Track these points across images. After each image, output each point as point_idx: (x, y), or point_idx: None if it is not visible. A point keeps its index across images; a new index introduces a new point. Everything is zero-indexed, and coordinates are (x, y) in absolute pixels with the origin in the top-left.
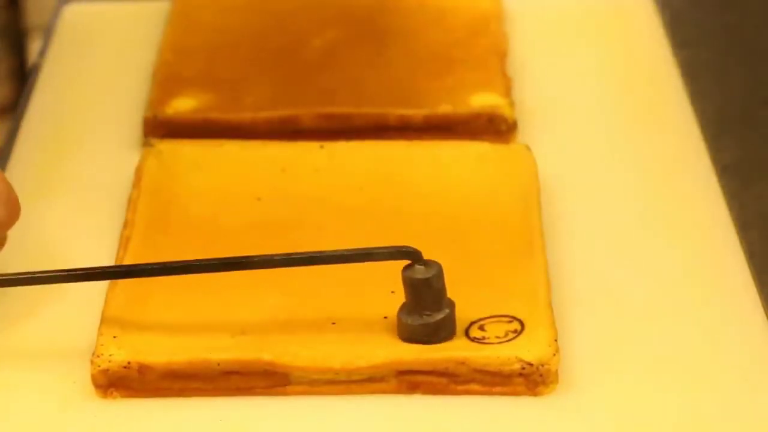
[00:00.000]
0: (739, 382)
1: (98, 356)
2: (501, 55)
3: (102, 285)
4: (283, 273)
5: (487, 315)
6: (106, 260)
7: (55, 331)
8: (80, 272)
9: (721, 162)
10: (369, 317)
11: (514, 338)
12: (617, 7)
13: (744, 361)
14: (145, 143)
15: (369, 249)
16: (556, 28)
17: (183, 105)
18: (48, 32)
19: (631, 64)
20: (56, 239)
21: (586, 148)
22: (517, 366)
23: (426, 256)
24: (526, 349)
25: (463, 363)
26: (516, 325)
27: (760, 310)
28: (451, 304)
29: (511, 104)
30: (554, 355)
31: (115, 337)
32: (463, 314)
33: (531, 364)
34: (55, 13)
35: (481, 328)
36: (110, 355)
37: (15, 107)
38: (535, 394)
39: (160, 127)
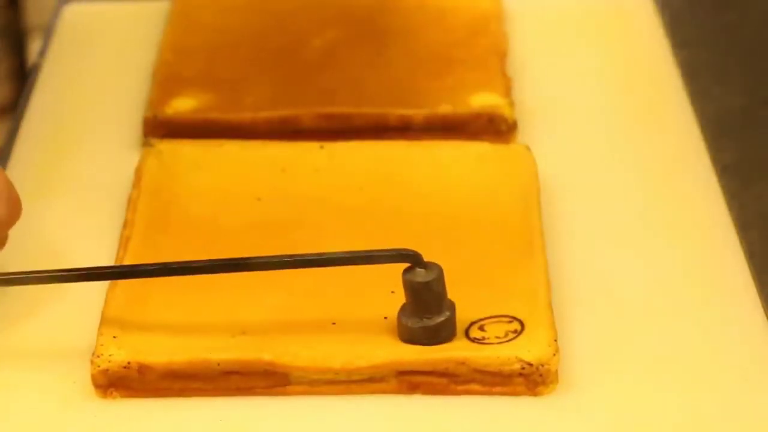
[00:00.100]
0: (739, 382)
1: (98, 356)
2: (501, 55)
3: (102, 285)
4: (283, 273)
5: (487, 315)
6: (106, 260)
7: (55, 331)
8: (80, 272)
9: (721, 162)
10: (369, 317)
11: (514, 338)
12: (617, 7)
13: (744, 361)
14: (145, 143)
15: (369, 252)
16: (556, 28)
17: (183, 105)
18: (48, 32)
19: (631, 64)
20: (56, 239)
21: (586, 148)
22: (517, 366)
23: (426, 257)
24: (526, 349)
25: (463, 363)
26: (516, 326)
27: (760, 310)
28: (452, 306)
29: (511, 104)
30: (554, 355)
31: (115, 337)
32: (463, 314)
33: (531, 364)
34: (55, 13)
35: (481, 328)
36: (110, 355)
37: (15, 107)
38: (535, 394)
39: (160, 127)
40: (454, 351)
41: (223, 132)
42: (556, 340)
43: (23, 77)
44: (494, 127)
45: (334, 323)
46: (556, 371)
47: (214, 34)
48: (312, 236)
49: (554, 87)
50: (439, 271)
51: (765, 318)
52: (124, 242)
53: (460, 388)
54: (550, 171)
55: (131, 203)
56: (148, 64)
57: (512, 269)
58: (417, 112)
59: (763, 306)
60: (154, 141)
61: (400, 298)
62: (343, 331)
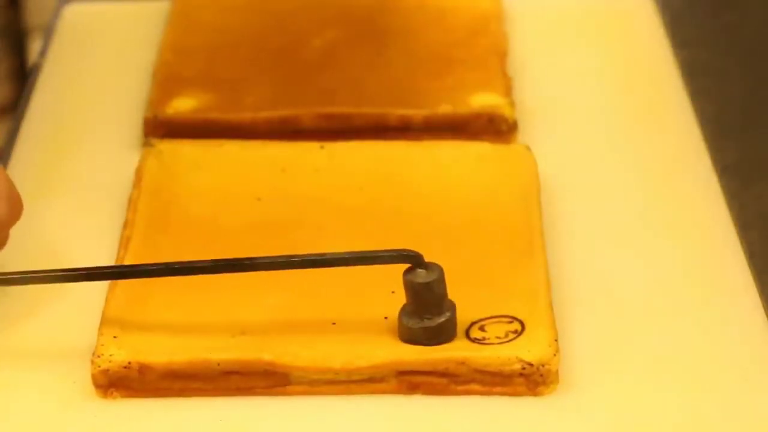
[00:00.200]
0: (739, 382)
1: (98, 356)
2: (501, 55)
3: (102, 285)
4: (283, 273)
5: (488, 315)
6: (106, 260)
7: (55, 331)
8: (80, 272)
9: (721, 162)
10: (369, 317)
11: (514, 338)
12: (617, 7)
13: (744, 361)
14: (145, 143)
15: (370, 252)
16: (556, 28)
17: (183, 105)
18: (48, 32)
19: (631, 64)
20: (56, 239)
21: (586, 148)
22: (517, 366)
23: (426, 257)
24: (527, 350)
25: (463, 363)
26: (516, 326)
27: (760, 310)
28: (452, 307)
29: (511, 104)
30: (554, 355)
31: (115, 337)
32: (464, 315)
33: (531, 365)
34: (55, 13)
35: (482, 328)
36: (110, 355)
37: (15, 107)
38: (535, 394)
39: (160, 127)
40: (455, 351)
41: (223, 132)
42: (556, 340)
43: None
44: (494, 127)
45: (334, 323)
46: (557, 371)
47: (214, 34)
48: (312, 236)
49: (554, 87)
50: (440, 271)
51: (765, 318)
52: (124, 242)
53: (460, 388)
54: (550, 171)
55: (131, 203)
56: (148, 64)
57: (512, 269)
58: (417, 112)
59: (763, 306)
60: (154, 141)
61: (400, 298)
62: (344, 331)
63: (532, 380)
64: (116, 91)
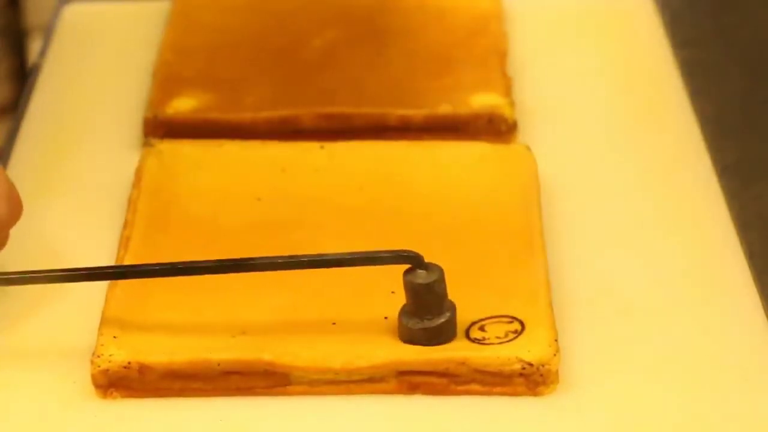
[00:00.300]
0: (739, 382)
1: (98, 356)
2: (501, 55)
3: (102, 285)
4: (283, 273)
5: (488, 315)
6: (106, 260)
7: (55, 331)
8: (80, 272)
9: (721, 162)
10: (369, 318)
11: (514, 338)
12: (617, 7)
13: (744, 361)
14: (145, 143)
15: (370, 253)
16: (556, 28)
17: (183, 105)
18: (48, 32)
19: (631, 64)
20: (56, 239)
21: (586, 148)
22: (517, 366)
23: (426, 257)
24: (527, 350)
25: (463, 363)
26: (516, 326)
27: (760, 310)
28: (452, 307)
29: (511, 104)
30: (554, 355)
31: (115, 337)
32: (464, 315)
33: (531, 365)
34: (55, 13)
35: (482, 328)
36: (110, 355)
37: (15, 107)
38: (535, 394)
39: (160, 127)
40: (455, 351)
41: (223, 132)
42: (556, 340)
43: (23, 77)
44: (494, 127)
45: (334, 323)
46: (557, 371)
47: (214, 34)
48: (312, 236)
49: (554, 87)
50: (440, 272)
51: (765, 318)
52: (124, 242)
53: (460, 388)
54: (550, 171)
55: (131, 203)
56: (148, 64)
57: (512, 269)
58: (417, 112)
59: (763, 306)
60: (154, 141)
61: (400, 298)
62: (344, 331)
63: (532, 380)
64: (116, 91)
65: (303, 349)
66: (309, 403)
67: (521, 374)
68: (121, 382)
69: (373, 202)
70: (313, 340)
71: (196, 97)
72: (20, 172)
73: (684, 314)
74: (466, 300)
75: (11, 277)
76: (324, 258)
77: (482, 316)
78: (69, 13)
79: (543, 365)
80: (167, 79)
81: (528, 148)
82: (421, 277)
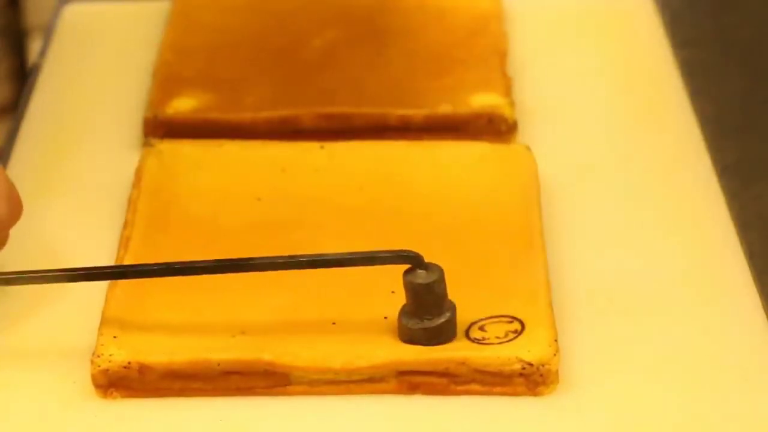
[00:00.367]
0: (739, 382)
1: (98, 356)
2: (501, 55)
3: (102, 285)
4: (283, 273)
5: (488, 315)
6: (106, 260)
7: (55, 331)
8: (80, 272)
9: (721, 162)
10: (369, 317)
11: (514, 338)
12: (617, 7)
13: (744, 361)
14: (145, 143)
15: (370, 253)
16: (556, 28)
17: (183, 105)
18: (48, 32)
19: (631, 64)
20: (56, 239)
21: (586, 148)
22: (517, 366)
23: (426, 257)
24: (527, 350)
25: (463, 363)
26: (516, 326)
27: (760, 310)
28: (452, 307)
29: (511, 104)
30: (554, 355)
31: (115, 337)
32: (464, 315)
33: (531, 364)
34: (55, 13)
35: (482, 328)
36: (110, 355)
37: (15, 107)
38: (535, 394)
39: (160, 127)
40: (455, 351)
41: (223, 132)
42: (556, 340)
43: (23, 77)
44: (494, 127)
45: (334, 323)
46: (557, 371)
47: (214, 34)
48: (312, 236)
49: (554, 87)
50: (440, 272)
51: (765, 318)
52: (124, 242)
53: (460, 388)
54: (550, 171)
55: (131, 203)
56: (148, 64)
57: (512, 269)
58: (417, 112)
59: (763, 306)
60: (154, 141)
61: (400, 298)
62: (343, 331)
63: (532, 380)
64: (116, 91)
65: (303, 349)
66: (309, 403)
67: (521, 374)
68: (121, 382)
69: (373, 202)
70: (313, 340)
71: (196, 97)
72: (20, 172)
73: (684, 314)
74: (466, 300)
75: (11, 277)
76: (323, 258)
77: (482, 316)
78: (69, 13)
79: (543, 365)
80: (167, 79)
81: (528, 148)
82: (421, 277)
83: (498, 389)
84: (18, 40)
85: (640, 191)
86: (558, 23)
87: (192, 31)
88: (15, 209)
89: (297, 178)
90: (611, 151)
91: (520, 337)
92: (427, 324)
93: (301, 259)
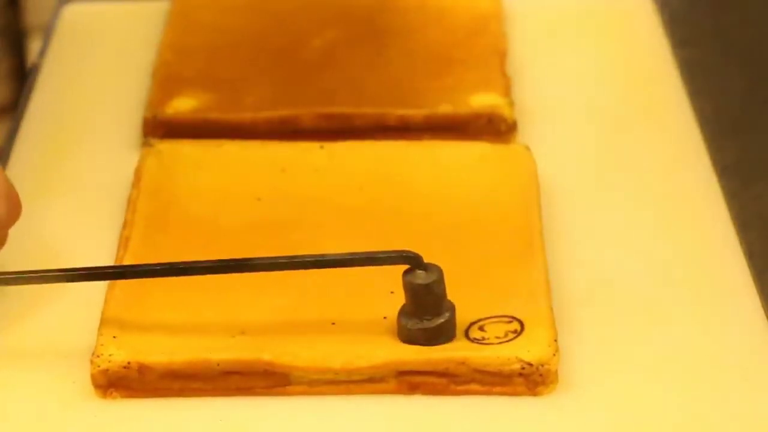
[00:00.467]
0: (739, 382)
1: (98, 356)
2: (501, 55)
3: (101, 285)
4: (283, 273)
5: (487, 315)
6: (106, 260)
7: (55, 331)
8: (80, 272)
9: (721, 162)
10: (369, 317)
11: (513, 338)
12: (617, 7)
13: (744, 361)
14: (145, 143)
15: (370, 253)
16: (556, 28)
17: (183, 105)
18: (48, 32)
19: (631, 64)
20: (56, 239)
21: (586, 148)
22: (517, 366)
23: (425, 257)
24: (526, 349)
25: (463, 363)
26: (516, 326)
27: (760, 310)
28: (452, 308)
29: (511, 104)
30: (554, 355)
31: (115, 337)
32: (463, 315)
33: (531, 364)
34: (55, 13)
35: (481, 328)
36: (110, 355)
37: (15, 107)
38: (535, 394)
39: (160, 127)
40: (454, 351)
41: (223, 132)
42: (556, 340)
43: (23, 77)
44: (494, 127)
45: (333, 323)
46: (556, 371)
47: (214, 34)
48: (312, 236)
49: (554, 87)
50: (440, 273)
51: (765, 318)
52: (124, 242)
53: (460, 388)
54: (550, 171)
55: (131, 203)
56: (148, 64)
57: (512, 269)
58: (417, 112)
59: (763, 306)
60: (154, 141)
61: (399, 298)
62: (343, 331)
63: (531, 380)
64: (116, 91)
65: (303, 349)
66: (309, 403)
67: (521, 374)
68: (120, 382)
69: (373, 202)
70: (313, 340)
71: (196, 97)
72: (20, 172)
73: (684, 314)
74: (466, 300)
75: (11, 277)
76: (323, 259)
77: (482, 316)
78: (69, 13)
79: (543, 365)
80: (167, 79)
81: (528, 148)
82: (421, 277)
83: (498, 389)
84: (18, 40)
85: (639, 191)
86: (558, 23)
87: (192, 31)
88: (14, 209)
89: (297, 178)
90: (611, 151)
91: (519, 337)
92: (427, 324)
93: (301, 260)
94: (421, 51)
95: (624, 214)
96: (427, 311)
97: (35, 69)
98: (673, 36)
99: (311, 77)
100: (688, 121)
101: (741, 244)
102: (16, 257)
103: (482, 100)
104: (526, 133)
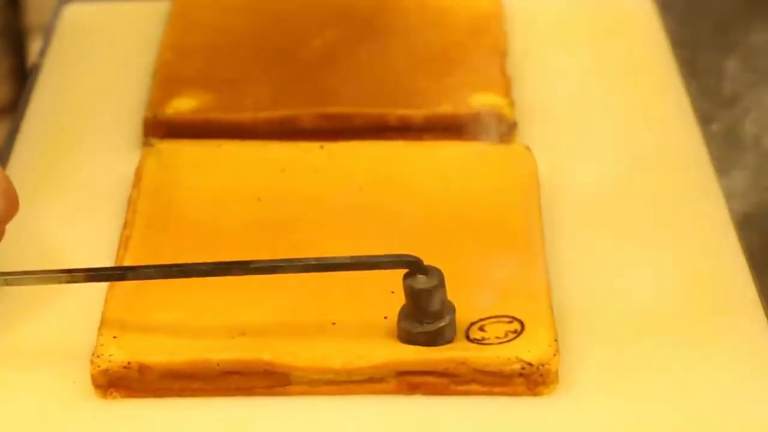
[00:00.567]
0: (739, 382)
1: (98, 356)
2: (501, 55)
3: (102, 285)
4: (282, 274)
5: (487, 315)
6: (106, 260)
7: (55, 331)
8: (81, 273)
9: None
10: (369, 318)
11: (514, 338)
12: (617, 7)
13: (744, 362)
14: (145, 143)
15: (370, 257)
16: (556, 28)
17: (183, 105)
18: (48, 32)
19: (631, 64)
20: (56, 239)
21: (586, 148)
22: (517, 366)
23: (425, 257)
24: (526, 350)
25: (463, 363)
26: (516, 326)
27: (760, 310)
28: (452, 310)
29: (511, 104)
30: (554, 355)
31: (115, 337)
32: (463, 315)
33: (531, 365)
34: (55, 13)
35: (481, 328)
36: (110, 355)
37: (15, 107)
38: (535, 394)
39: (160, 127)
40: (454, 351)
41: (223, 132)
42: (556, 340)
43: (23, 77)
44: (494, 127)
45: (334, 323)
46: (556, 371)
47: (214, 34)
48: (312, 236)
49: (554, 87)
50: (440, 277)
51: (765, 318)
52: (124, 242)
53: (460, 388)
54: (550, 171)
55: (131, 203)
56: (148, 64)
57: (512, 269)
58: (417, 112)
59: (763, 306)
60: (154, 141)
61: (400, 298)
62: (343, 331)
63: (531, 380)
64: (116, 91)
65: (303, 349)
66: (309, 403)
67: (521, 374)
68: (120, 382)
69: (373, 202)
70: (313, 341)
71: (196, 97)
72: (20, 171)
73: (683, 314)
74: (466, 300)
75: (11, 277)
76: (323, 262)
77: (482, 317)
78: (69, 13)
79: (543, 365)
80: (167, 79)
81: (528, 148)
82: (421, 282)
83: (498, 389)
84: (18, 40)
85: (639, 191)
86: (558, 23)
87: (192, 31)
88: (12, 204)
89: (297, 178)
90: (611, 151)
91: (519, 337)
92: (427, 328)
93: (300, 263)
94: (421, 51)
95: (624, 214)
96: (427, 315)
97: (35, 69)
98: (673, 36)
99: (311, 77)
100: (688, 121)
101: (741, 244)
102: (16, 257)
103: (482, 100)
104: (526, 133)
